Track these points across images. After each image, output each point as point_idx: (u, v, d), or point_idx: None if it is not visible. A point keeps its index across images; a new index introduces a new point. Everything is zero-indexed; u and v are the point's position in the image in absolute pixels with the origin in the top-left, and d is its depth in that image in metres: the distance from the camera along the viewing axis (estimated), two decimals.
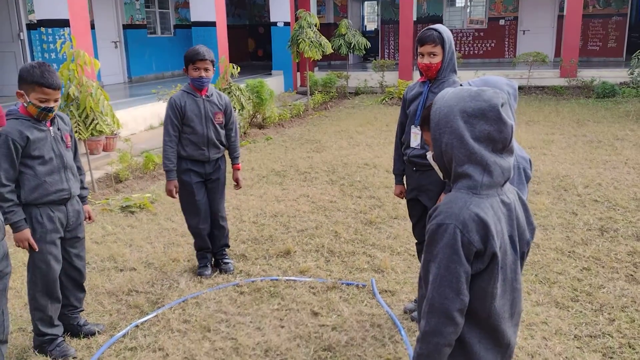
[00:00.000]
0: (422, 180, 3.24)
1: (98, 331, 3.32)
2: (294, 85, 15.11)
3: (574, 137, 8.53)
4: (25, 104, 2.87)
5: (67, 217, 3.09)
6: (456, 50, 16.98)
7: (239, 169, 4.20)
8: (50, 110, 2.91)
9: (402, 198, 3.53)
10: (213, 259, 4.25)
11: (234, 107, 8.18)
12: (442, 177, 1.74)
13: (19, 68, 2.88)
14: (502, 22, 17.73)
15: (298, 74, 15.34)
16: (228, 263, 4.19)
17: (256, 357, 3.08)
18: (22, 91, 2.86)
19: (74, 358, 3.09)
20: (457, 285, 1.55)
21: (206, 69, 3.82)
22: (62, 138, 3.06)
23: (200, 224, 4.05)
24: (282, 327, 3.38)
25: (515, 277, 1.67)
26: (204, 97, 3.91)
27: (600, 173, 6.51)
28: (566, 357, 3.02)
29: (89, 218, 3.32)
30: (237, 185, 4.22)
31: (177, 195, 3.95)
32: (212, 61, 3.84)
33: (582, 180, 6.23)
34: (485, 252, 1.57)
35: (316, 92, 13.29)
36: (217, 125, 3.97)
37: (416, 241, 3.56)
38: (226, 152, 4.14)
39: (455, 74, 3.19)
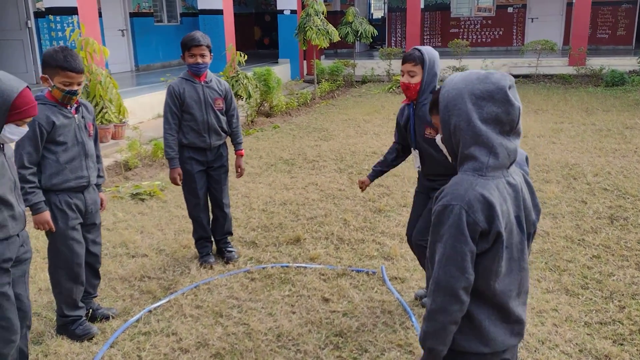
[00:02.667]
0: (435, 185, 3.22)
1: (111, 315, 3.37)
2: (301, 73, 15.07)
3: (583, 125, 8.49)
4: (50, 88, 2.90)
5: (85, 204, 3.13)
6: (463, 38, 16.98)
7: (242, 155, 4.16)
8: (75, 93, 2.93)
9: (360, 188, 3.55)
10: (216, 248, 4.26)
11: (241, 95, 8.18)
12: (450, 161, 1.76)
13: (43, 53, 2.90)
14: (510, 9, 17.58)
15: (305, 62, 15.29)
16: (232, 251, 4.18)
17: (268, 342, 3.11)
18: (46, 75, 2.87)
19: (89, 339, 3.15)
20: (463, 264, 1.59)
21: (202, 55, 3.80)
22: (85, 126, 3.09)
23: (200, 212, 4.05)
24: (294, 312, 3.41)
25: (522, 257, 1.70)
26: (202, 83, 3.88)
27: (609, 161, 6.48)
28: (576, 344, 3.03)
29: (101, 206, 3.34)
30: (239, 172, 4.18)
31: (181, 183, 3.93)
32: (208, 46, 3.82)
33: (591, 168, 6.21)
34: (490, 232, 1.60)
35: (323, 80, 13.26)
36: (218, 111, 3.94)
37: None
38: (228, 139, 4.11)
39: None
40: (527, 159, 2.37)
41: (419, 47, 3.12)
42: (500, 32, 17.78)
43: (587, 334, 3.12)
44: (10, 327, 2.44)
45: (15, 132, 2.34)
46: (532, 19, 17.35)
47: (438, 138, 1.78)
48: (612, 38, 16.82)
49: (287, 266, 4.03)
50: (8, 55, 11.39)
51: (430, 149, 3.13)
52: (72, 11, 7.95)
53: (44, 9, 8.55)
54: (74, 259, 3.10)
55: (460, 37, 17.12)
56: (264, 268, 4.00)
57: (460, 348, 1.72)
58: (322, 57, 16.09)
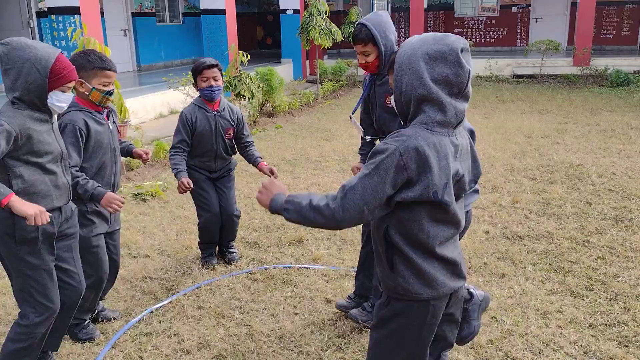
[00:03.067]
0: None
1: (114, 317, 3.34)
2: (304, 73, 15.05)
3: (588, 126, 8.45)
4: (88, 92, 2.82)
5: (112, 215, 3.08)
6: (467, 38, 16.92)
7: (265, 165, 3.88)
8: (112, 93, 2.92)
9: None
10: (217, 249, 4.22)
11: (244, 95, 8.16)
12: (402, 122, 1.84)
13: (70, 59, 2.81)
14: (514, 9, 17.53)
15: (307, 62, 15.27)
16: (233, 252, 4.15)
17: (270, 343, 3.09)
18: (81, 80, 2.80)
19: (91, 341, 3.12)
20: (368, 197, 1.67)
21: (215, 78, 3.71)
22: (115, 132, 3.06)
23: (212, 217, 3.94)
24: (296, 314, 3.39)
25: (456, 210, 1.80)
26: (215, 112, 3.81)
27: (614, 162, 6.45)
28: (581, 346, 3.01)
29: (146, 154, 3.27)
30: (273, 173, 3.79)
31: (190, 186, 3.69)
32: (219, 69, 3.74)
33: (596, 169, 6.17)
34: (417, 183, 1.68)
35: (326, 80, 13.24)
36: (227, 140, 3.89)
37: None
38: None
39: None
40: (473, 134, 2.45)
41: (364, 21, 2.87)
42: (504, 32, 17.73)
43: (592, 336, 3.09)
44: (52, 307, 2.46)
45: (62, 99, 2.38)
46: (536, 18, 17.31)
47: (391, 98, 1.85)
48: (617, 38, 16.76)
49: (289, 267, 4.01)
50: None
51: (389, 118, 2.97)
52: (74, 11, 7.95)
53: (46, 9, 8.55)
54: (102, 267, 3.05)
55: (464, 36, 16.98)
56: (266, 269, 3.98)
57: (403, 292, 1.81)
58: (325, 57, 16.07)
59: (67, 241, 2.59)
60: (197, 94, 3.88)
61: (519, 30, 17.61)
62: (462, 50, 1.68)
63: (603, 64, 13.17)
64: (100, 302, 3.36)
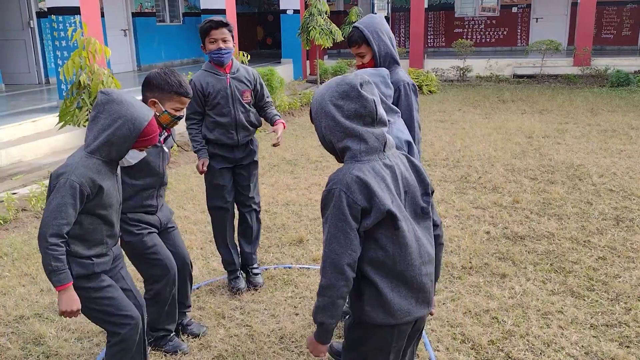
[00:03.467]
0: None
1: (202, 334, 3.16)
2: (304, 73, 15.04)
3: (588, 126, 8.44)
4: (159, 113, 2.76)
5: (160, 220, 2.99)
6: (467, 38, 16.93)
7: (282, 123, 3.58)
8: (180, 118, 2.84)
9: None
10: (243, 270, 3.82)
11: None
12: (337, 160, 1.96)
13: (150, 75, 2.77)
14: (514, 9, 17.52)
15: (308, 62, 15.26)
16: (258, 274, 3.74)
17: (271, 344, 3.08)
18: (155, 100, 2.74)
19: (177, 353, 3.02)
20: (345, 241, 1.78)
21: (224, 40, 3.33)
22: (167, 156, 2.97)
23: (223, 215, 3.62)
24: (297, 314, 3.38)
25: (415, 228, 1.88)
26: (228, 74, 3.44)
27: (615, 162, 6.44)
28: (582, 346, 3.00)
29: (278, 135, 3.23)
30: (277, 139, 3.57)
31: (204, 169, 3.48)
32: (229, 30, 3.36)
33: (596, 169, 6.17)
34: (372, 209, 1.78)
35: (326, 80, 13.22)
36: (246, 105, 3.50)
37: None
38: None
39: (397, 66, 2.91)
40: (410, 145, 2.54)
41: (358, 24, 2.90)
42: (505, 32, 17.72)
43: (593, 337, 3.09)
44: (129, 312, 2.45)
45: (135, 157, 2.42)
46: (537, 18, 17.29)
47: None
48: (617, 38, 16.74)
49: (290, 267, 4.00)
50: (10, 55, 11.41)
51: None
52: (75, 11, 7.94)
53: (46, 9, 8.55)
54: (167, 263, 2.94)
55: (464, 37, 17.07)
56: (266, 269, 3.97)
57: (369, 320, 1.87)
58: (325, 57, 16.07)
59: (115, 270, 2.55)
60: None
61: (519, 30, 17.59)
62: (361, 86, 1.83)
63: (603, 64, 13.16)
64: (187, 315, 3.23)
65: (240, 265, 3.76)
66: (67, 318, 2.28)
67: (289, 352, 3.01)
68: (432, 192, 1.97)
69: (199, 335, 3.16)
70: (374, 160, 1.83)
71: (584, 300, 3.47)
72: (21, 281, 3.88)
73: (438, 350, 3.00)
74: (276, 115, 3.64)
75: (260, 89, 3.60)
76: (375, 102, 1.84)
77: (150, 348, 3.03)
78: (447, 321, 3.26)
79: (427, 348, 3.00)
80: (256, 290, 3.67)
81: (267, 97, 3.66)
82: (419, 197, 1.92)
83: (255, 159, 3.66)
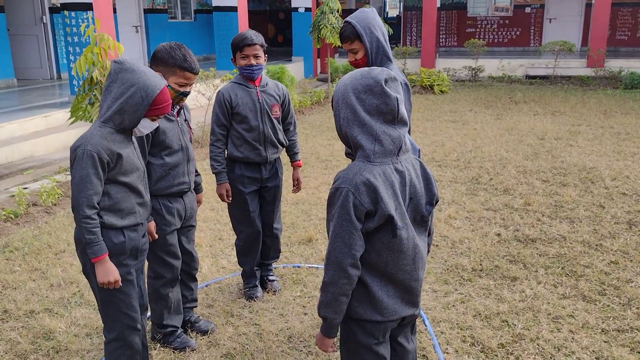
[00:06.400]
0: None
1: (210, 330, 3.16)
2: (314, 71, 15.03)
3: (601, 128, 8.36)
4: None
5: (185, 209, 2.99)
6: (479, 38, 16.83)
7: (300, 166, 3.70)
8: (187, 94, 2.82)
9: None
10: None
11: None
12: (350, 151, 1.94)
13: (156, 48, 2.76)
14: (528, 9, 17.38)
15: (318, 60, 15.24)
16: (274, 281, 3.70)
17: (279, 343, 3.08)
18: (160, 73, 2.70)
19: (185, 349, 3.02)
20: (349, 241, 1.79)
21: (256, 56, 3.32)
22: (186, 129, 2.96)
23: (254, 243, 3.55)
24: (305, 314, 3.37)
25: (414, 235, 1.90)
26: (258, 87, 3.41)
27: (628, 165, 6.37)
28: (593, 351, 2.97)
29: (198, 203, 3.21)
30: (297, 186, 3.72)
31: (229, 200, 3.45)
32: (262, 46, 3.35)
33: (609, 172, 6.10)
34: (376, 212, 1.79)
35: (337, 78, 13.20)
36: (275, 120, 3.45)
37: None
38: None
39: (390, 63, 2.82)
40: (419, 152, 2.60)
41: (350, 19, 2.84)
42: (518, 32, 17.59)
43: (604, 342, 3.05)
44: (136, 316, 2.46)
45: (147, 126, 2.40)
46: (550, 19, 17.15)
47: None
48: (632, 39, 16.57)
49: (298, 267, 3.99)
50: (23, 50, 11.49)
51: None
52: (87, 7, 7.98)
53: (59, 5, 8.59)
54: (175, 266, 2.97)
55: (477, 36, 16.97)
56: (275, 268, 3.97)
57: (357, 315, 1.91)
58: (336, 55, 16.04)
59: (142, 256, 2.55)
60: (209, 89, 3.73)
61: (532, 31, 17.46)
62: (386, 82, 1.81)
63: (617, 66, 13.03)
64: (193, 311, 3.25)
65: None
66: (109, 288, 2.31)
67: (297, 351, 3.00)
68: (437, 201, 1.98)
69: (207, 332, 3.16)
70: (386, 163, 1.82)
71: (596, 304, 3.43)
72: (31, 276, 3.90)
73: (447, 353, 2.98)
74: (296, 153, 3.67)
75: (287, 106, 3.56)
76: (398, 100, 1.81)
77: (159, 345, 3.04)
78: (457, 323, 3.24)
79: (436, 350, 2.98)
80: (274, 294, 3.64)
81: (292, 117, 3.61)
82: (422, 205, 1.93)
83: (279, 183, 3.61)
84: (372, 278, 1.87)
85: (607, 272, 3.84)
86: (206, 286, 3.73)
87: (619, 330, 3.16)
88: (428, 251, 2.07)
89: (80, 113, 5.25)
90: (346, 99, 1.84)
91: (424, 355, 2.97)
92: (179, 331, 3.07)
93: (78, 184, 2.23)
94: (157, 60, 2.76)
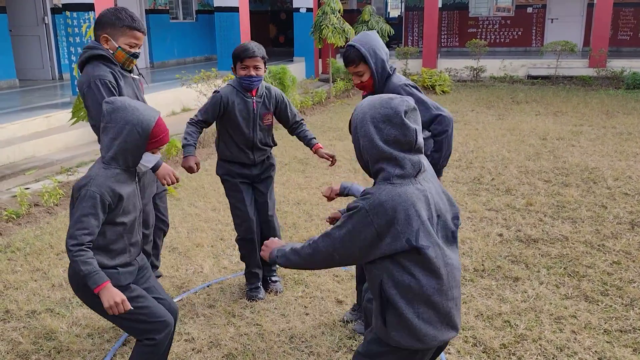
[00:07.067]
0: None
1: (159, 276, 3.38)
2: (316, 72, 15.02)
3: (603, 128, 8.34)
4: (113, 51, 2.74)
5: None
6: (481, 38, 16.81)
7: (321, 148, 3.62)
8: (137, 55, 2.85)
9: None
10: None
11: None
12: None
13: (101, 13, 2.80)
14: (529, 9, 17.36)
15: (320, 60, 15.24)
16: (277, 281, 3.71)
17: (281, 343, 3.07)
18: (107, 35, 2.71)
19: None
20: (344, 253, 1.85)
21: (256, 67, 3.35)
22: (139, 85, 3.09)
23: (250, 230, 3.56)
24: (307, 314, 3.37)
25: (445, 253, 1.85)
26: (255, 97, 3.45)
27: (630, 166, 6.36)
28: (596, 352, 2.96)
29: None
30: (332, 160, 3.63)
31: (197, 170, 3.40)
32: (263, 58, 3.38)
33: (611, 172, 6.09)
34: (388, 234, 1.77)
35: (338, 79, 13.20)
36: (265, 127, 3.54)
37: None
38: (275, 148, 3.72)
39: (395, 75, 2.93)
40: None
41: (353, 42, 2.87)
42: (519, 33, 17.58)
43: (607, 342, 3.04)
44: (161, 319, 2.42)
45: (150, 160, 2.39)
46: (552, 19, 17.13)
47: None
48: (634, 40, 16.54)
49: None
50: (25, 50, 11.50)
51: None
52: (89, 7, 7.98)
53: (60, 5, 8.60)
54: (151, 223, 3.21)
55: (479, 37, 16.95)
56: (277, 268, 3.96)
57: (395, 343, 1.87)
58: (338, 55, 16.03)
59: (144, 278, 2.55)
60: (210, 90, 3.76)
61: (534, 31, 17.43)
62: (405, 113, 1.80)
63: (619, 66, 13.00)
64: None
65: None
66: (118, 312, 2.23)
67: (299, 351, 3.00)
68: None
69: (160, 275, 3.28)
70: (406, 184, 1.81)
71: (598, 305, 3.43)
72: (33, 276, 3.90)
73: (449, 353, 2.97)
74: (313, 138, 3.66)
75: (285, 109, 3.58)
76: (416, 132, 1.81)
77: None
78: None
79: None
80: (276, 295, 3.63)
81: (294, 117, 3.63)
82: (449, 220, 1.91)
83: (271, 174, 3.66)
84: (407, 304, 1.82)
85: (610, 273, 3.83)
86: (208, 286, 3.72)
87: (621, 331, 3.15)
88: None
89: (82, 114, 5.25)
90: (364, 127, 1.84)
91: None
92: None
93: (75, 223, 2.20)
94: (103, 24, 2.76)
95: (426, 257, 1.79)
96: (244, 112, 3.43)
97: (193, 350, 3.03)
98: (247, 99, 3.44)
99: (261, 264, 3.66)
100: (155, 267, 3.42)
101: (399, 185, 1.80)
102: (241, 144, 3.48)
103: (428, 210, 1.82)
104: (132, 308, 2.26)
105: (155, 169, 2.89)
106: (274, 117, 3.60)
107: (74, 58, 8.04)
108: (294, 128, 3.66)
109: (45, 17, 11.50)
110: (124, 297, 2.22)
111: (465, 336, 3.11)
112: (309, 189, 5.74)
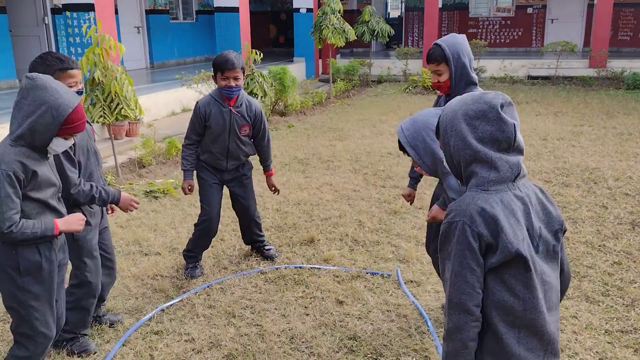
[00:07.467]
0: (439, 190, 3.13)
1: (118, 320, 3.27)
2: (316, 72, 15.02)
3: (604, 129, 8.34)
4: None
5: (101, 211, 3.06)
6: (481, 38, 16.79)
7: (271, 175, 4.04)
8: (82, 93, 2.83)
9: (408, 201, 3.38)
10: (253, 250, 4.19)
11: (256, 94, 8.14)
12: (461, 183, 1.77)
13: (29, 67, 2.73)
14: (530, 10, 17.36)
15: (320, 61, 15.24)
16: (270, 249, 4.13)
17: (281, 343, 3.06)
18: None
19: (85, 354, 2.99)
20: (472, 279, 1.61)
21: (236, 78, 3.57)
22: (90, 133, 2.96)
23: (210, 222, 3.83)
24: (307, 315, 3.36)
25: (543, 270, 1.66)
26: (231, 107, 3.66)
27: (631, 166, 6.35)
28: (597, 352, 2.95)
29: (112, 210, 3.24)
30: (275, 190, 4.10)
31: (190, 192, 3.87)
32: (242, 68, 3.60)
33: (612, 173, 6.08)
34: (497, 246, 1.59)
35: (338, 79, 13.20)
36: (243, 137, 3.76)
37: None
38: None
39: (474, 87, 2.89)
40: None
41: (440, 42, 2.93)
42: (520, 33, 17.57)
43: (608, 342, 3.04)
44: (50, 334, 2.44)
45: (61, 145, 2.35)
46: (552, 19, 17.12)
47: (445, 161, 1.80)
48: (634, 40, 16.53)
49: (300, 267, 3.98)
50: (25, 51, 11.49)
51: None
52: (89, 8, 7.97)
53: (60, 6, 8.60)
54: (99, 272, 2.98)
55: (479, 37, 16.95)
56: (277, 269, 3.96)
57: None
58: (338, 56, 16.03)
59: (62, 271, 2.54)
60: (209, 89, 3.83)
61: (534, 31, 17.43)
62: (502, 106, 1.63)
63: (620, 66, 12.99)
64: (101, 307, 3.28)
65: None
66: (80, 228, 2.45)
67: (299, 352, 2.99)
68: (565, 230, 1.74)
69: (114, 324, 3.23)
70: (503, 190, 1.63)
71: (599, 305, 3.42)
72: None
73: None
74: (268, 164, 4.00)
75: (259, 125, 3.82)
76: (515, 127, 1.63)
77: (62, 350, 3.00)
78: None
79: (439, 351, 2.96)
80: (273, 261, 4.05)
81: (264, 134, 3.87)
82: (551, 234, 1.69)
83: (245, 180, 3.94)
84: (507, 328, 1.63)
85: (611, 273, 3.82)
86: (208, 287, 3.72)
87: (622, 331, 3.14)
88: (563, 291, 1.81)
89: None
90: (455, 126, 1.66)
91: (426, 356, 2.96)
92: (83, 336, 3.04)
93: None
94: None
95: (530, 273, 1.61)
96: (220, 122, 3.66)
97: (193, 350, 3.02)
98: (224, 109, 3.66)
99: (251, 237, 4.10)
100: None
101: (495, 192, 1.62)
102: (216, 151, 3.74)
103: (528, 220, 1.64)
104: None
105: (115, 202, 2.87)
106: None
107: (74, 58, 8.03)
108: (260, 144, 3.90)
109: (45, 17, 11.49)
110: (79, 216, 2.38)
111: None
112: (309, 189, 5.74)
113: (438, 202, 2.86)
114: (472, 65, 2.93)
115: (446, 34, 3.06)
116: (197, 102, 3.73)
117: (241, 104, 3.71)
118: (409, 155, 2.51)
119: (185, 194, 3.87)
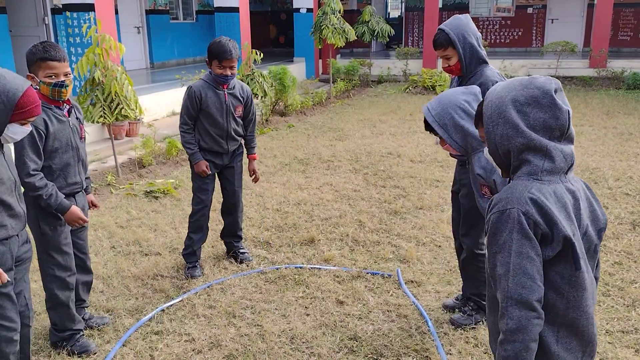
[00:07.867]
0: (460, 174, 3.15)
1: (104, 324, 3.25)
2: (316, 72, 15.02)
3: (604, 129, 8.33)
4: (37, 86, 2.71)
5: (84, 209, 3.02)
6: (482, 38, 16.71)
7: (255, 159, 4.11)
8: (63, 85, 2.74)
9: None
10: (228, 253, 4.17)
11: (257, 94, 8.14)
12: (502, 174, 1.68)
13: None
14: (530, 10, 17.36)
15: (320, 61, 15.23)
16: (244, 252, 4.12)
17: (282, 344, 3.06)
18: (31, 74, 2.71)
19: (87, 355, 2.99)
20: (532, 270, 1.47)
21: (232, 67, 3.68)
22: (78, 129, 2.94)
23: (205, 211, 3.92)
24: (308, 315, 3.36)
25: (587, 268, 1.58)
26: (226, 90, 3.79)
27: (631, 166, 6.35)
28: (597, 352, 2.94)
29: (95, 206, 3.22)
30: (254, 176, 4.12)
31: (209, 172, 3.84)
32: (238, 57, 3.70)
33: (612, 173, 6.08)
34: (553, 237, 1.49)
35: (338, 79, 13.19)
36: (237, 118, 3.89)
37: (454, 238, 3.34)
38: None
39: (485, 65, 2.97)
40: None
41: (443, 26, 2.91)
42: (520, 33, 17.57)
43: (609, 343, 3.04)
44: (12, 326, 2.41)
45: (18, 132, 2.27)
46: (552, 19, 17.12)
47: (485, 151, 1.70)
48: (634, 40, 16.53)
49: (301, 267, 3.98)
50: (25, 51, 11.48)
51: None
52: (89, 8, 7.98)
53: (61, 6, 8.59)
54: (72, 266, 2.96)
55: None
56: (277, 269, 3.95)
57: None
58: (338, 56, 16.02)
59: (23, 265, 2.51)
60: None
61: (534, 31, 17.42)
62: (556, 91, 1.54)
63: (620, 66, 12.98)
64: (86, 310, 3.27)
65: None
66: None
67: (299, 352, 2.99)
68: (605, 228, 1.67)
69: (99, 327, 3.21)
70: (555, 182, 1.53)
71: (600, 305, 3.41)
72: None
73: (450, 354, 2.96)
74: (253, 147, 4.06)
75: (250, 105, 3.97)
76: (569, 114, 1.54)
77: (63, 350, 2.99)
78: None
79: (439, 351, 2.96)
80: (247, 264, 4.05)
81: (252, 115, 4.01)
82: (595, 232, 1.62)
83: (238, 164, 4.02)
84: (548, 326, 1.54)
85: (611, 273, 3.81)
86: (208, 287, 3.71)
87: (623, 332, 3.14)
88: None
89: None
90: (503, 112, 1.55)
91: (427, 356, 2.95)
92: (80, 334, 3.03)
93: None
94: (27, 63, 2.72)
95: (580, 271, 1.53)
96: (217, 104, 3.76)
97: (193, 350, 3.02)
98: (219, 92, 3.76)
99: (227, 236, 4.13)
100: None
101: (548, 183, 1.52)
102: (216, 134, 3.82)
103: (578, 216, 1.55)
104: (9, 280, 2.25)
105: (61, 213, 2.82)
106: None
107: (74, 58, 8.03)
108: (247, 126, 4.00)
109: (46, 18, 11.49)
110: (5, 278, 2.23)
111: (467, 337, 3.10)
112: (309, 189, 5.73)
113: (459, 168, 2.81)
114: (481, 42, 2.92)
115: None
116: (191, 86, 3.76)
117: (234, 86, 3.84)
118: (436, 134, 2.46)
119: (207, 174, 3.83)
